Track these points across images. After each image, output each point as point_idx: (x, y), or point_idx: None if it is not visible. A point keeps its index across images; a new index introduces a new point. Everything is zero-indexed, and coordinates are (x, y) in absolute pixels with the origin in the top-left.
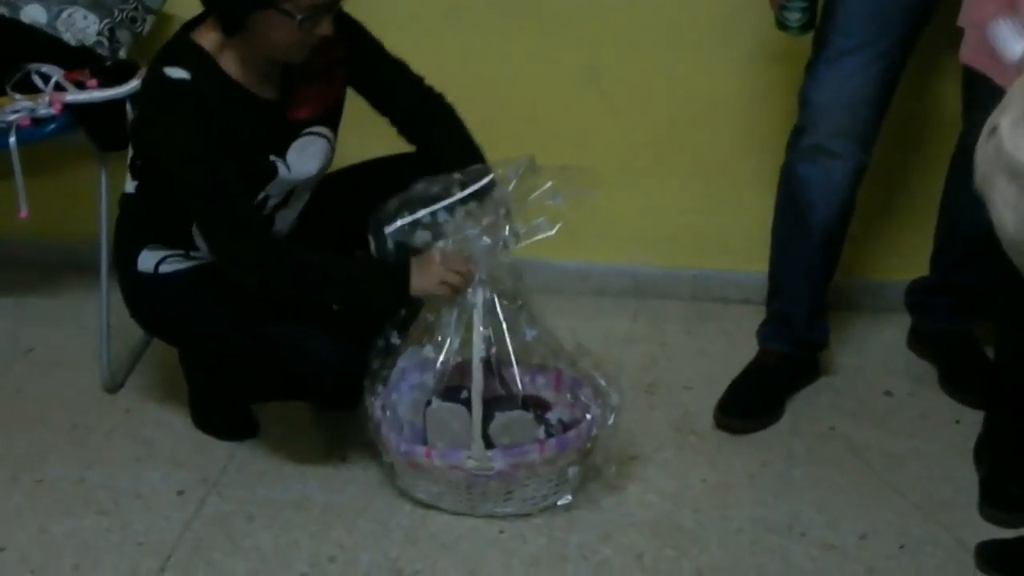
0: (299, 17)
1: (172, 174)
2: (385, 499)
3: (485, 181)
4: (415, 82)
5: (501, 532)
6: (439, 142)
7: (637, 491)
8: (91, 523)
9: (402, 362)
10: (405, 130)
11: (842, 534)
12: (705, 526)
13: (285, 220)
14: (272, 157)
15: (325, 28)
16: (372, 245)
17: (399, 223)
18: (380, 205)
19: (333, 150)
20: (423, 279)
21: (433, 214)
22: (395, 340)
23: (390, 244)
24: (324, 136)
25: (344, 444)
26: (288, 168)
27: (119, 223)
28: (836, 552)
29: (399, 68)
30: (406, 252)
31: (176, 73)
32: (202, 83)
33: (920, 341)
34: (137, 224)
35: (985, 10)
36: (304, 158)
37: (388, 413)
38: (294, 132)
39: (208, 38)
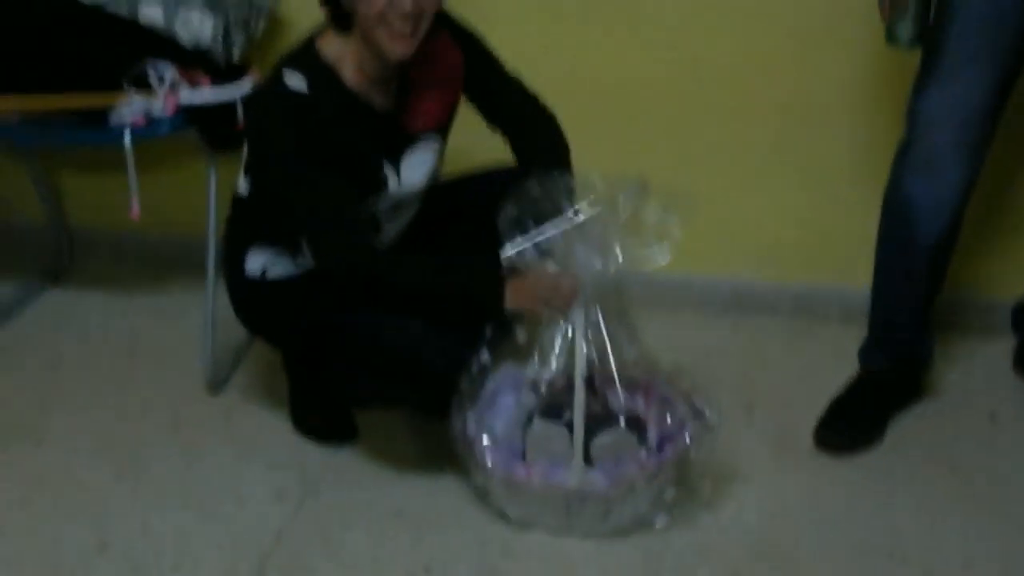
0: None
1: (278, 184)
2: (482, 511)
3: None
4: (528, 99)
5: (598, 548)
6: (541, 162)
7: (735, 510)
8: (191, 520)
9: (493, 382)
10: (513, 144)
11: (945, 560)
12: (803, 547)
13: (393, 230)
14: (385, 169)
15: (405, 2)
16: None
17: (518, 245)
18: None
19: (442, 159)
20: (522, 296)
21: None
22: (486, 358)
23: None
24: (435, 147)
25: (442, 454)
26: (399, 179)
27: (229, 223)
28: None
29: (513, 83)
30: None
31: (293, 81)
32: (319, 93)
33: None
34: (247, 225)
35: None
36: (414, 169)
37: (482, 432)
38: (408, 142)
39: (331, 46)
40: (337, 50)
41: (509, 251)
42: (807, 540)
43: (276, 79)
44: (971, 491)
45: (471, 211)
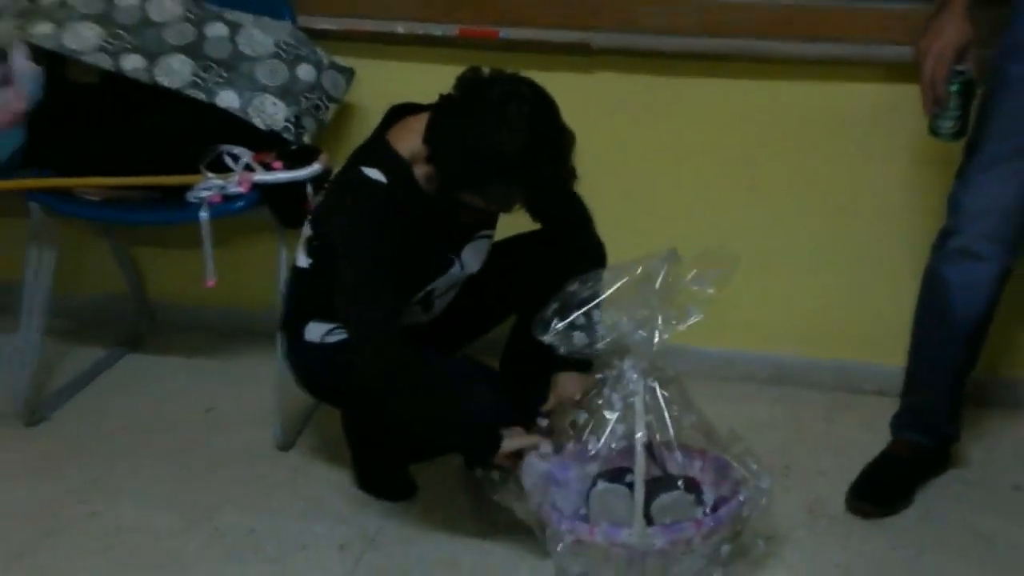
0: (499, 205)
1: (342, 263)
2: (530, 564)
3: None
4: (575, 202)
5: None
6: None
7: (770, 568)
8: (260, 572)
9: (539, 467)
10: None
11: None
12: None
13: (442, 304)
14: (451, 255)
15: (514, 211)
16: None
17: (556, 327)
18: (540, 312)
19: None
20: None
21: (587, 314)
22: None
23: (561, 349)
24: (489, 236)
25: (494, 510)
26: (461, 266)
27: (288, 294)
28: None
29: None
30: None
31: (374, 174)
32: (396, 187)
33: None
34: (306, 297)
35: None
36: (473, 257)
37: (547, 497)
38: (468, 235)
39: (405, 144)
40: (411, 150)
41: (548, 336)
42: None
43: (357, 174)
44: (994, 558)
45: (506, 282)
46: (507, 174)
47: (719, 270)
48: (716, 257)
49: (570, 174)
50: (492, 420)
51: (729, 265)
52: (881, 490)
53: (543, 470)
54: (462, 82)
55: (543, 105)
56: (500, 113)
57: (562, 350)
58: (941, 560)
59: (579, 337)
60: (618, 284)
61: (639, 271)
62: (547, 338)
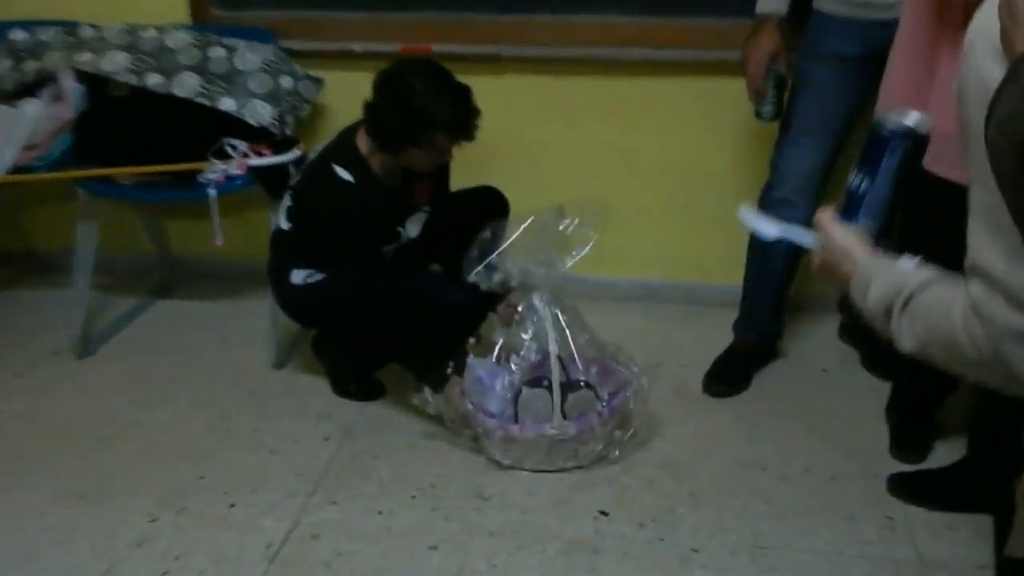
0: (434, 153)
1: (331, 237)
2: (463, 447)
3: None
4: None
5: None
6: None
7: (648, 437)
8: (264, 458)
9: (481, 368)
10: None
11: (792, 469)
12: (696, 462)
13: (389, 256)
14: (399, 228)
15: (449, 156)
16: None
17: (478, 269)
18: (464, 255)
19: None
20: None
21: (499, 257)
22: (472, 340)
23: (483, 285)
24: (427, 212)
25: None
26: (407, 235)
27: (274, 250)
28: (788, 481)
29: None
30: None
31: (343, 174)
32: (360, 182)
33: (847, 333)
34: (288, 251)
35: (897, 98)
36: (414, 226)
37: (480, 407)
38: (411, 211)
39: (363, 143)
40: (368, 147)
41: (472, 275)
42: (699, 457)
43: (331, 172)
44: (809, 421)
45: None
46: (432, 122)
47: (595, 215)
48: (591, 206)
49: (474, 113)
50: (469, 310)
51: (603, 211)
52: (727, 376)
53: (477, 374)
54: (375, 83)
55: (436, 70)
56: (409, 86)
57: (483, 287)
58: (772, 424)
59: (496, 276)
60: (519, 231)
61: (536, 221)
62: (472, 277)
